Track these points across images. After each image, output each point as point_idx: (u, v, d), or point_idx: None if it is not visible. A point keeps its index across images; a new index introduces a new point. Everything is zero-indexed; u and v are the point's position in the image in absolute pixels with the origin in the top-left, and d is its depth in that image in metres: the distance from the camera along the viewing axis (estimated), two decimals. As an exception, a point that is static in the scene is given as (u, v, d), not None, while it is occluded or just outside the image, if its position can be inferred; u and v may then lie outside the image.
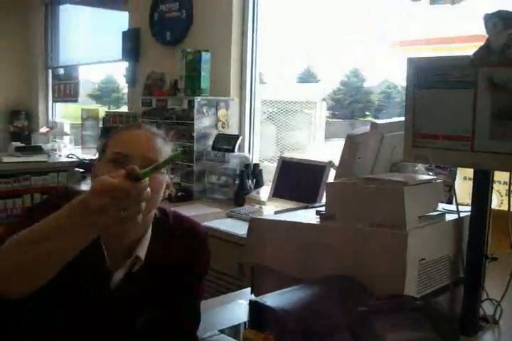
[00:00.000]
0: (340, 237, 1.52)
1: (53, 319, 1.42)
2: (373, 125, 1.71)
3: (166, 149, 1.46)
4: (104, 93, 7.08)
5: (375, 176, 1.61)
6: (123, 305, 1.47)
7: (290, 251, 1.65)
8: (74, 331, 1.44)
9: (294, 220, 1.67)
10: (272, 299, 1.30)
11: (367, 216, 1.47)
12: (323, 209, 1.64)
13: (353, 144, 1.66)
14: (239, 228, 2.85)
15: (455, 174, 2.21)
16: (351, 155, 1.67)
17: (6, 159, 4.35)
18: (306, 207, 1.88)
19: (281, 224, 1.69)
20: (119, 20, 5.12)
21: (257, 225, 1.78)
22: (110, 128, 1.54)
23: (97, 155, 1.53)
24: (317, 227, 1.60)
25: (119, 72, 5.11)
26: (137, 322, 1.55)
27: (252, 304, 1.29)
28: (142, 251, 1.45)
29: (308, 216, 1.69)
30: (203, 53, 3.73)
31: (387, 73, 3.84)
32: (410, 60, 1.51)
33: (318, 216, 1.62)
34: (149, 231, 1.49)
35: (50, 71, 6.48)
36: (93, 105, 6.49)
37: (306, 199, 2.88)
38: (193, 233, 1.59)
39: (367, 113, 4.10)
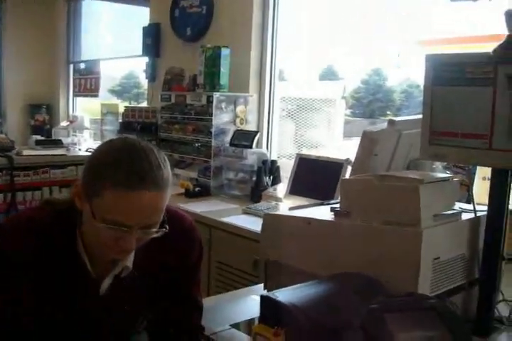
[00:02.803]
0: (355, 234, 1.52)
1: (52, 327, 1.43)
2: (391, 122, 1.69)
3: (169, 193, 1.30)
4: (125, 88, 7.09)
5: (391, 173, 1.60)
6: (118, 307, 1.47)
7: (304, 248, 1.64)
8: (73, 337, 1.46)
9: (308, 216, 1.66)
10: (283, 294, 1.29)
11: (382, 213, 1.46)
12: (338, 205, 1.63)
13: (369, 141, 1.65)
14: (254, 224, 2.84)
15: (473, 173, 2.19)
16: (367, 152, 1.65)
17: (25, 152, 4.38)
18: (321, 204, 1.87)
19: (295, 220, 1.68)
20: (141, 16, 5.14)
21: (271, 221, 1.78)
22: (110, 161, 1.27)
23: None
24: (331, 224, 1.59)
25: (140, 67, 5.13)
26: (136, 322, 1.57)
27: (263, 299, 1.29)
28: (129, 260, 1.42)
29: (323, 212, 1.68)
30: (223, 49, 3.72)
31: (409, 72, 3.79)
32: (428, 57, 1.50)
33: (333, 213, 1.61)
34: None
35: (71, 65, 6.52)
36: (114, 100, 6.51)
37: (323, 196, 2.87)
38: (181, 227, 1.51)
39: (388, 112, 4.06)
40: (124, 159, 1.24)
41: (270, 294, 1.29)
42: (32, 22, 6.40)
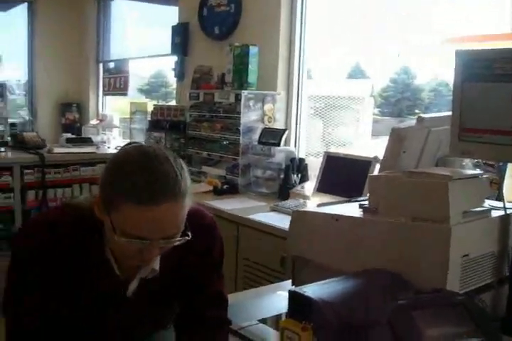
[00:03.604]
0: (383, 231, 1.51)
1: (76, 324, 1.46)
2: (419, 119, 1.68)
3: (188, 202, 1.28)
4: (153, 88, 7.15)
5: (420, 170, 1.59)
6: (144, 306, 1.49)
7: (332, 244, 1.64)
8: (97, 335, 1.48)
9: (337, 213, 1.67)
10: (311, 289, 1.30)
11: (410, 210, 1.46)
12: (366, 202, 1.63)
13: (397, 137, 1.65)
14: (282, 221, 2.85)
15: (504, 170, 2.17)
16: (396, 149, 1.65)
17: (57, 150, 4.46)
18: (349, 201, 1.87)
19: (323, 217, 1.69)
20: (169, 15, 5.18)
21: (299, 217, 1.78)
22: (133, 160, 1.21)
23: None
24: (359, 220, 1.59)
25: (168, 67, 5.17)
26: (164, 319, 1.59)
27: (292, 294, 1.30)
28: (156, 262, 1.42)
29: (351, 209, 1.69)
30: (251, 47, 3.74)
31: (438, 70, 3.76)
32: (458, 53, 1.49)
33: (361, 209, 1.61)
34: None
35: (101, 65, 6.59)
36: (143, 99, 6.57)
37: (351, 194, 2.84)
38: (202, 225, 1.50)
39: (416, 111, 4.04)
40: (139, 172, 1.21)
41: (298, 289, 1.30)
42: (62, 22, 6.49)
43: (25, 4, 6.59)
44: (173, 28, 4.89)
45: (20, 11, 6.67)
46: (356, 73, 4.34)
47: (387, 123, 4.19)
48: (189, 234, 1.31)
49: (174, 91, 5.24)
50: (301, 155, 3.88)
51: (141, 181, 1.20)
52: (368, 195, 1.66)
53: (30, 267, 1.36)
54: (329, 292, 1.32)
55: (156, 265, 1.42)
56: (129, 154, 1.28)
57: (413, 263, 1.43)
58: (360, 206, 1.63)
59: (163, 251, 1.32)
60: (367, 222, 1.57)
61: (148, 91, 7.15)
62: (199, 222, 1.47)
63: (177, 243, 1.30)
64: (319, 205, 1.85)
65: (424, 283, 1.37)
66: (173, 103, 5.21)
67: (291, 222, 1.81)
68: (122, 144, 4.39)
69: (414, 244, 1.44)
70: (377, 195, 1.57)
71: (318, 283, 1.38)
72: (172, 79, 5.29)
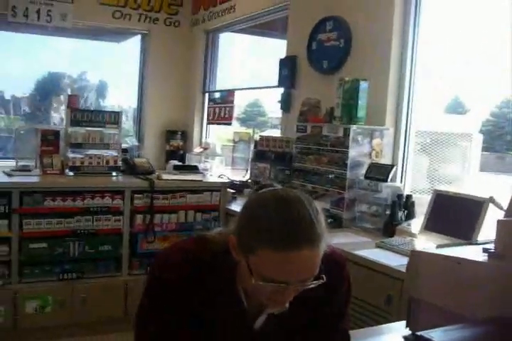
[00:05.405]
0: (510, 277, 1.47)
1: None
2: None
3: (324, 245, 1.30)
4: (249, 116, 7.34)
5: (552, 216, 1.55)
6: (270, 339, 1.52)
7: (453, 288, 1.61)
8: None
9: (459, 256, 1.63)
10: (437, 335, 1.28)
11: (541, 258, 1.42)
12: (488, 246, 1.59)
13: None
14: (389, 259, 2.82)
15: None
16: (525, 194, 1.61)
17: (165, 176, 4.60)
18: (470, 243, 1.83)
19: (444, 259, 1.66)
20: (276, 48, 5.29)
21: (418, 258, 1.76)
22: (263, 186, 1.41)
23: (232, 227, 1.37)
24: (485, 265, 1.55)
25: (265, 96, 5.27)
26: None
27: (418, 338, 1.28)
28: None
29: (473, 252, 1.65)
30: (361, 82, 3.74)
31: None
32: None
33: (486, 254, 1.57)
34: None
35: (206, 95, 6.80)
36: (238, 127, 6.74)
37: (461, 235, 2.80)
38: (332, 262, 1.49)
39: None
40: (276, 218, 1.25)
41: (425, 333, 1.28)
42: (172, 53, 6.77)
43: (139, 36, 6.94)
44: (281, 60, 4.99)
45: (134, 43, 7.03)
46: (453, 106, 4.27)
47: (488, 158, 4.09)
48: (323, 276, 1.33)
49: (269, 120, 5.32)
50: (407, 192, 3.82)
51: (278, 227, 1.24)
52: (486, 237, 1.62)
53: (164, 298, 1.42)
54: (455, 338, 1.30)
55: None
56: (264, 199, 1.33)
57: (543, 313, 1.38)
58: (485, 250, 1.59)
59: (296, 293, 1.34)
60: (493, 267, 1.53)
61: (244, 119, 7.33)
62: (330, 259, 1.46)
63: (312, 286, 1.32)
64: (438, 246, 1.83)
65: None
66: (269, 132, 5.27)
67: (408, 262, 1.79)
68: (225, 172, 4.45)
69: (544, 293, 1.39)
70: (506, 241, 1.53)
71: (442, 328, 1.36)
72: (268, 109, 5.39)
